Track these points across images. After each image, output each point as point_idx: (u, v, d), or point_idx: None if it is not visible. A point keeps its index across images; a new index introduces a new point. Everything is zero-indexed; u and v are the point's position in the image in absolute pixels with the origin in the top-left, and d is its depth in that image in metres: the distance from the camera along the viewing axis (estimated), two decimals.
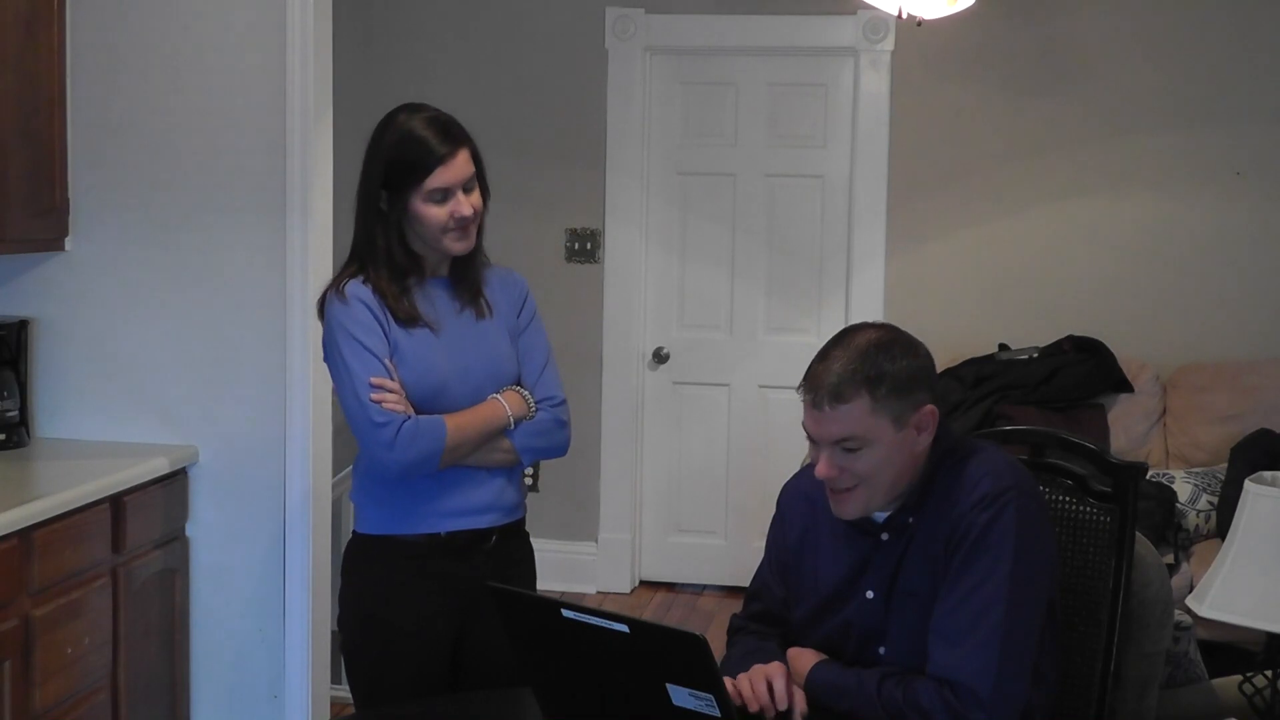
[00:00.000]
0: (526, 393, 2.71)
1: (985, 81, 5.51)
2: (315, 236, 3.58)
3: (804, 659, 2.29)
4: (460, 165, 2.60)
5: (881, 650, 2.27)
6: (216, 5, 3.58)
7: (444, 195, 2.59)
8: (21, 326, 3.65)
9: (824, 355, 2.21)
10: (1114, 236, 5.46)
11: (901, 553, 2.26)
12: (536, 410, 2.70)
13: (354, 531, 2.75)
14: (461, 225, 2.61)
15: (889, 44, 5.51)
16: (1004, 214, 5.55)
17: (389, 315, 2.61)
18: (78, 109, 3.63)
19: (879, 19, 5.43)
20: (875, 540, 2.29)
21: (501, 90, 5.68)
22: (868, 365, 2.16)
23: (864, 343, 2.20)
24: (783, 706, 2.20)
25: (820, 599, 2.33)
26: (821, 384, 2.17)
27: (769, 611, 2.43)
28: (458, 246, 2.64)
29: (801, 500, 2.41)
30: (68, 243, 3.67)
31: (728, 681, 2.18)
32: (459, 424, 2.60)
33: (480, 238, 2.70)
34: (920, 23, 4.49)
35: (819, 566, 2.34)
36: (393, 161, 2.59)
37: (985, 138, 5.52)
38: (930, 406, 2.20)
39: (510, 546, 2.74)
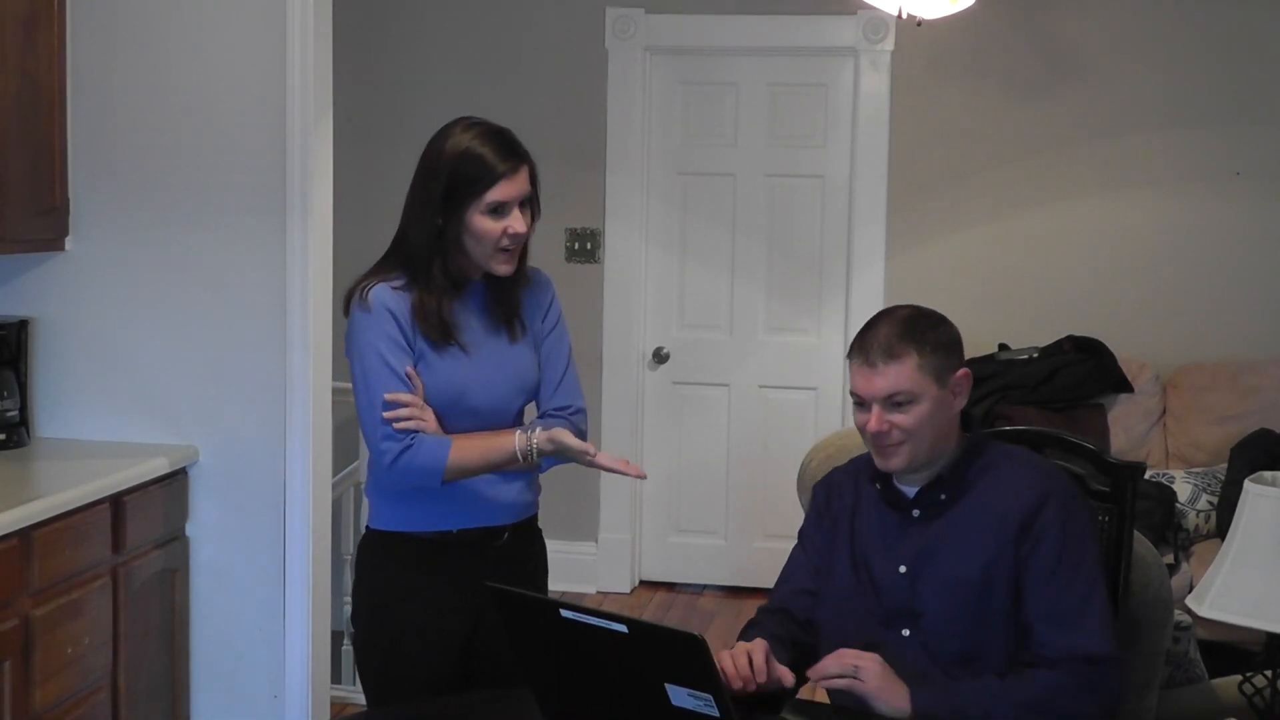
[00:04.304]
0: (540, 442, 2.60)
1: (985, 81, 5.51)
2: (315, 236, 3.58)
3: (897, 693, 2.25)
4: (521, 181, 2.64)
5: (906, 633, 2.34)
6: (216, 5, 3.58)
7: (502, 209, 2.60)
8: (21, 326, 3.65)
9: (870, 326, 2.41)
10: (1114, 236, 5.46)
11: (937, 533, 2.36)
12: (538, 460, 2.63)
13: (367, 527, 2.76)
14: (514, 243, 2.62)
15: (889, 44, 5.51)
16: (1004, 214, 5.55)
17: (417, 328, 2.59)
18: (78, 109, 3.63)
19: (879, 19, 5.43)
20: (907, 515, 2.40)
21: (501, 90, 5.66)
22: (913, 328, 2.38)
23: (904, 314, 2.42)
24: (761, 679, 2.25)
25: (855, 567, 2.42)
26: (873, 345, 2.37)
27: (784, 609, 2.48)
28: (503, 269, 2.64)
29: (850, 480, 2.54)
30: (68, 243, 3.67)
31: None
32: (461, 449, 2.57)
33: (525, 260, 2.70)
34: (920, 23, 4.49)
35: (860, 535, 2.44)
36: (454, 176, 2.58)
37: (985, 138, 5.52)
38: (965, 370, 2.38)
39: (522, 543, 2.74)
